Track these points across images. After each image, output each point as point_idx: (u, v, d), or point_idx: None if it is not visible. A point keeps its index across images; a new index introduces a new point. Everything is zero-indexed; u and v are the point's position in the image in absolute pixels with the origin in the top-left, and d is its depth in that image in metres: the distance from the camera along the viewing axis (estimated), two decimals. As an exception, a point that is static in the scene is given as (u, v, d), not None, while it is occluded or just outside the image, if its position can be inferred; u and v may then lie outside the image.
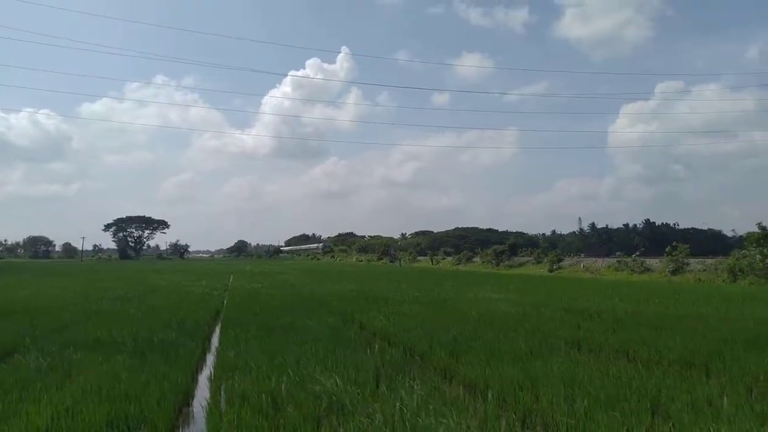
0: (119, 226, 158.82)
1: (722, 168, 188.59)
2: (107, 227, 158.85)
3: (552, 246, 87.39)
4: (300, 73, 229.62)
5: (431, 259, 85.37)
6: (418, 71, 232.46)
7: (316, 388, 6.39)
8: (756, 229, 33.83)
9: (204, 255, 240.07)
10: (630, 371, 7.32)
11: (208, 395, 6.64)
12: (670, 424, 5.19)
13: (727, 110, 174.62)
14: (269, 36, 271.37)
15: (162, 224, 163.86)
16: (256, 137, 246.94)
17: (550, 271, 52.25)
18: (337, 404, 5.83)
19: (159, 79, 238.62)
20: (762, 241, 32.82)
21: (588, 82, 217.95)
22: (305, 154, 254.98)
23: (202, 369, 8.56)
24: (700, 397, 6.04)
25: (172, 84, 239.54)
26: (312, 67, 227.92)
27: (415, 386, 6.60)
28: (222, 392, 6.51)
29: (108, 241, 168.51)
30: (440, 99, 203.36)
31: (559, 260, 55.05)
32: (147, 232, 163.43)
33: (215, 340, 11.07)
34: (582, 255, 66.43)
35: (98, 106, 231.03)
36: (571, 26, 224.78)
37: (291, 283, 30.58)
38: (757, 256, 32.40)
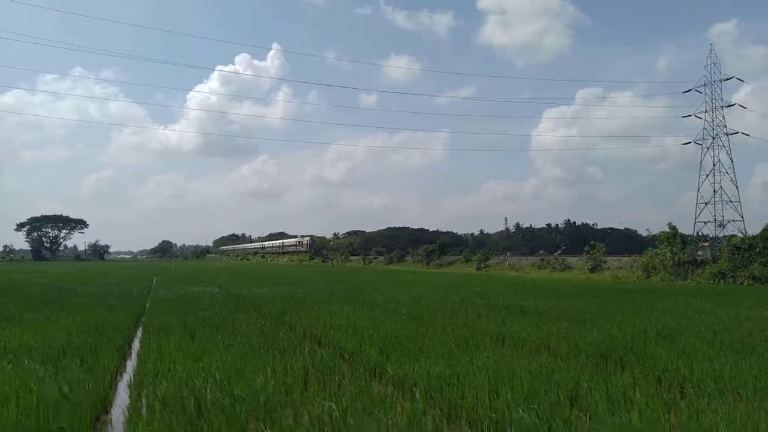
0: (33, 225, 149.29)
1: (636, 171, 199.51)
2: (20, 227, 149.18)
3: (480, 245, 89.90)
4: (228, 68, 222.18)
5: (363, 259, 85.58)
6: (348, 71, 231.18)
7: (242, 391, 6.26)
8: (667, 229, 36.09)
9: (126, 256, 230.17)
10: (551, 365, 7.62)
11: (128, 402, 6.36)
12: (588, 415, 5.43)
13: (640, 116, 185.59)
14: (196, 29, 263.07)
15: (80, 224, 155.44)
16: (182, 134, 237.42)
17: (478, 269, 53.70)
18: (264, 407, 5.73)
19: (77, 71, 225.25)
20: (672, 240, 35.06)
21: (513, 87, 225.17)
22: (234, 152, 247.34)
23: (122, 374, 8.19)
24: (615, 388, 6.36)
25: (91, 76, 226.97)
26: (241, 63, 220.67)
27: (345, 386, 6.60)
28: (143, 398, 6.25)
29: (21, 242, 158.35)
30: (371, 99, 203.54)
31: (487, 259, 56.83)
32: (64, 231, 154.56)
33: (136, 345, 10.61)
34: (508, 253, 68.66)
35: (8, 98, 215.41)
36: (494, 32, 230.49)
37: (219, 283, 29.81)
38: (668, 254, 34.59)
